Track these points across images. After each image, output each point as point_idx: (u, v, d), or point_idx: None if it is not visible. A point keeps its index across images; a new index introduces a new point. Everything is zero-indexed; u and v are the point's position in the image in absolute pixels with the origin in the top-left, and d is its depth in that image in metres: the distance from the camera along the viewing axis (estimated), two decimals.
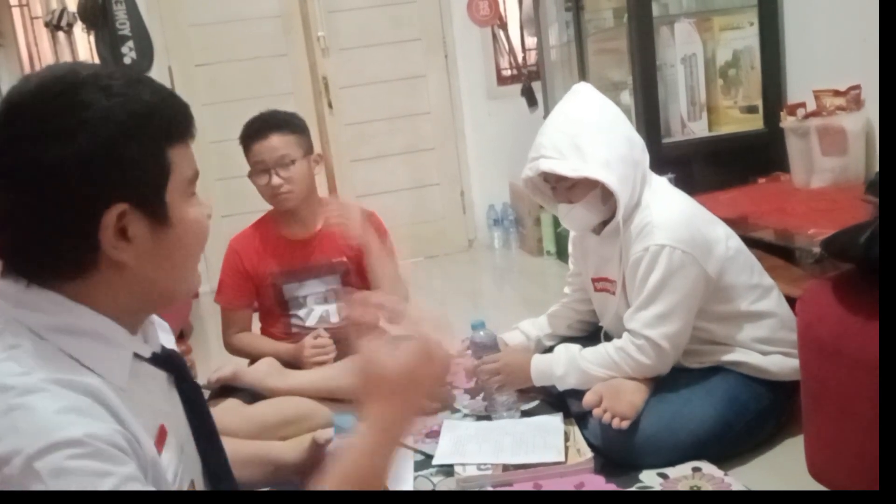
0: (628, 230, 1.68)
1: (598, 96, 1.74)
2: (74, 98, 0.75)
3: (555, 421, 1.79)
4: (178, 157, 0.82)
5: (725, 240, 1.68)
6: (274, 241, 2.16)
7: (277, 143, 2.07)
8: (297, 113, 2.22)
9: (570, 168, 1.64)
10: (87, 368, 0.76)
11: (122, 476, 0.69)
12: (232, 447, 1.16)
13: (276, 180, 2.07)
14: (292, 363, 2.10)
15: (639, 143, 1.72)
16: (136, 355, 0.84)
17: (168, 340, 1.01)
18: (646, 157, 1.72)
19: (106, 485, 0.68)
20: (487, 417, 1.92)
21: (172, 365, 0.91)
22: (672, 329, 1.62)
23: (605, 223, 1.74)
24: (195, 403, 0.94)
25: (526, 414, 1.88)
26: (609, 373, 1.68)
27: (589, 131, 1.67)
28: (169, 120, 0.82)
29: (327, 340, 2.11)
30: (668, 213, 1.64)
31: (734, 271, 1.67)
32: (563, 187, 1.70)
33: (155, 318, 1.01)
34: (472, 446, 1.74)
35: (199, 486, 0.91)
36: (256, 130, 2.09)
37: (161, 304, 0.88)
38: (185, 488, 0.86)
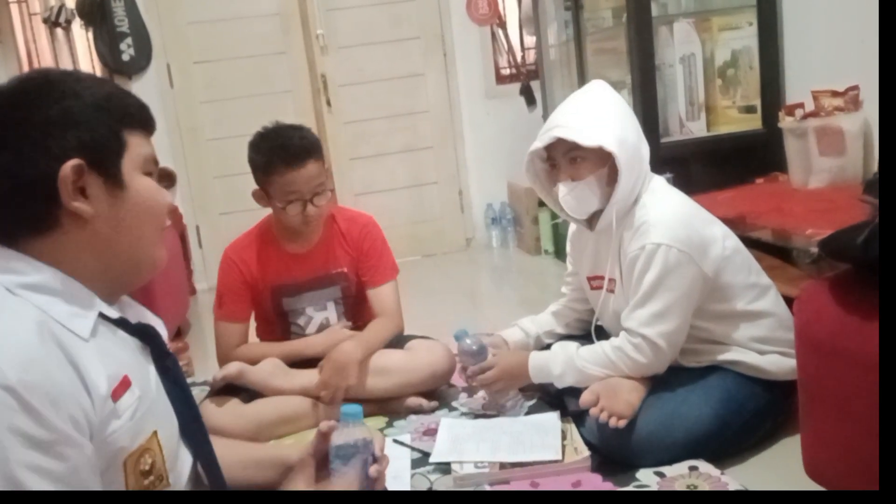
0: (625, 228, 1.68)
1: (614, 91, 1.76)
2: (44, 79, 0.91)
3: (552, 419, 1.79)
4: (133, 139, 0.94)
5: (723, 239, 1.68)
6: (273, 254, 2.10)
7: (314, 171, 1.95)
8: (292, 120, 2.10)
9: (585, 136, 1.63)
10: (52, 319, 0.84)
11: (20, 459, 0.75)
12: (243, 449, 1.21)
13: (312, 210, 1.98)
14: (308, 361, 2.07)
15: (645, 141, 1.73)
16: (104, 316, 0.92)
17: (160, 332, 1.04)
18: (648, 157, 1.72)
19: (13, 453, 0.75)
20: (485, 416, 1.93)
21: (146, 335, 0.98)
22: (668, 327, 1.63)
23: (597, 216, 1.74)
24: (169, 370, 1.00)
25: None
26: (606, 371, 1.68)
27: (607, 110, 1.68)
28: (126, 109, 0.95)
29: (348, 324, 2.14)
30: (665, 211, 1.65)
31: (731, 270, 1.67)
32: (570, 161, 1.68)
33: (146, 312, 1.06)
34: (469, 444, 1.74)
35: (168, 438, 0.95)
36: (292, 157, 1.93)
37: (126, 273, 0.96)
38: (145, 434, 0.91)
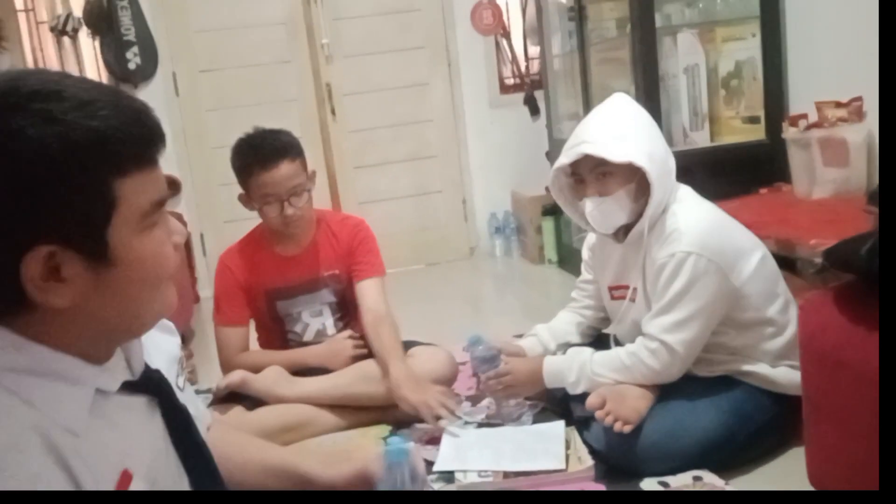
0: (653, 236, 1.67)
1: (637, 104, 1.75)
2: (3, 124, 0.66)
3: (556, 428, 1.79)
4: (131, 188, 0.72)
5: (752, 250, 1.67)
6: (265, 257, 2.12)
7: (289, 172, 1.97)
8: (296, 129, 2.13)
9: (614, 152, 1.62)
10: (41, 413, 0.70)
11: None
12: (257, 450, 1.13)
13: (290, 210, 1.99)
14: (311, 370, 2.07)
15: (671, 152, 1.72)
16: (101, 390, 0.77)
17: (170, 343, 0.98)
18: (674, 168, 1.71)
19: None
20: (489, 425, 1.93)
21: (152, 389, 0.85)
22: (689, 336, 1.62)
23: (626, 230, 1.74)
24: (180, 426, 0.88)
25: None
26: (619, 377, 1.68)
27: (634, 125, 1.68)
28: (123, 147, 0.71)
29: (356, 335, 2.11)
30: (695, 220, 1.64)
31: (758, 281, 1.66)
32: (597, 177, 1.67)
33: (153, 338, 0.94)
34: (473, 453, 1.74)
35: None
36: (264, 158, 1.95)
37: (125, 337, 0.81)
38: None
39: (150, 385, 0.84)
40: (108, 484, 0.74)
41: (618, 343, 1.81)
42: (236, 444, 1.10)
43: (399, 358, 1.96)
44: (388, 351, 1.97)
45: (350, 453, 1.22)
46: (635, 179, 1.66)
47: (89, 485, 0.71)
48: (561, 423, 1.81)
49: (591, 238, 1.96)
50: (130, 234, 0.73)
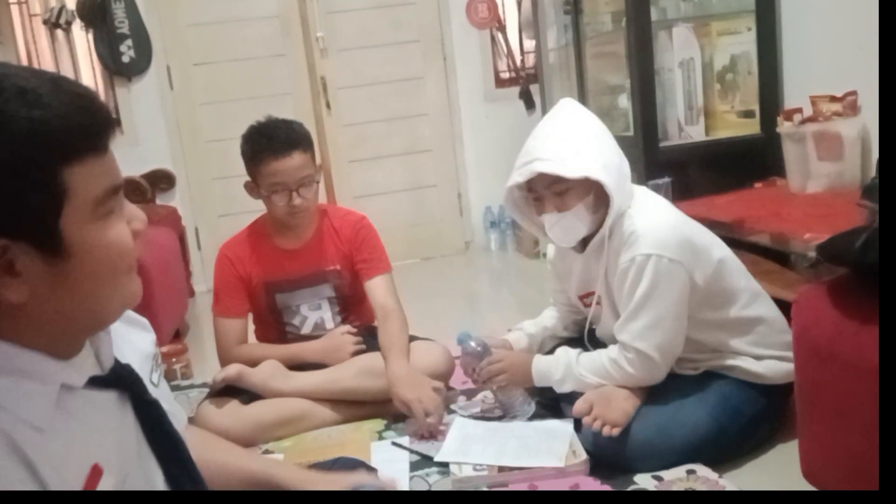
0: (613, 241, 1.66)
1: (586, 110, 1.73)
2: None
3: (566, 427, 1.76)
4: (80, 177, 0.70)
5: (711, 247, 1.67)
6: (266, 250, 2.12)
7: (300, 163, 1.98)
8: (298, 120, 2.12)
9: (569, 168, 1.60)
10: (3, 410, 0.69)
11: None
12: (226, 466, 1.13)
13: (298, 201, 2.00)
14: (309, 364, 2.07)
15: (624, 157, 1.71)
16: (67, 385, 0.75)
17: (144, 339, 0.97)
18: (629, 172, 1.70)
19: None
20: (484, 418, 1.93)
21: (122, 384, 0.83)
22: (662, 339, 1.62)
23: (585, 240, 1.72)
24: (152, 421, 0.86)
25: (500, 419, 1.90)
26: (603, 381, 1.68)
27: (585, 136, 1.65)
28: (68, 136, 0.69)
29: (353, 331, 2.11)
30: (652, 220, 1.63)
31: (722, 277, 1.66)
32: (554, 194, 1.65)
33: (131, 315, 0.94)
34: (476, 447, 1.74)
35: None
36: (277, 147, 1.97)
37: (90, 329, 0.79)
38: None
39: (120, 380, 0.83)
40: (78, 479, 0.73)
41: (597, 341, 1.82)
42: (214, 450, 1.11)
43: (400, 354, 1.95)
44: (389, 346, 1.97)
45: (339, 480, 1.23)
46: (592, 191, 1.64)
47: (55, 482, 0.70)
48: (570, 422, 1.77)
49: (551, 251, 1.94)
50: (85, 224, 0.71)
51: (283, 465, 1.23)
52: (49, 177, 0.68)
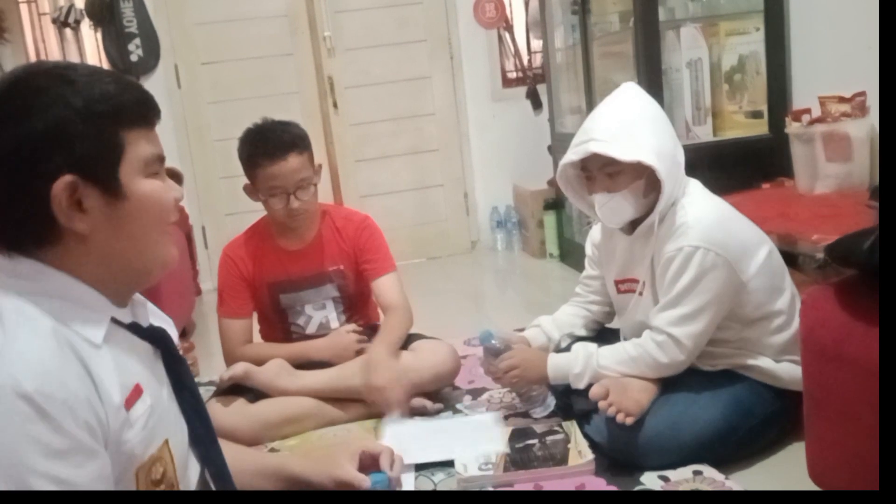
0: (662, 229, 1.67)
1: (647, 95, 1.74)
2: (32, 84, 0.85)
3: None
4: (134, 139, 0.89)
5: (759, 244, 1.67)
6: (269, 250, 2.12)
7: (296, 165, 1.98)
8: (298, 122, 2.11)
9: (622, 151, 1.61)
10: (66, 326, 0.83)
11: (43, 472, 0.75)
12: (242, 457, 1.21)
13: (296, 204, 2.00)
14: (314, 363, 2.07)
15: (680, 145, 1.71)
16: (116, 321, 0.90)
17: (169, 329, 1.04)
18: (683, 160, 1.71)
19: (31, 459, 0.75)
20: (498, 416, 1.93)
21: (158, 339, 0.97)
22: (697, 329, 1.62)
23: (635, 223, 1.73)
24: (181, 377, 1.00)
25: (524, 415, 1.90)
26: (624, 370, 1.67)
27: (642, 120, 1.66)
28: (125, 106, 0.88)
29: (359, 329, 2.12)
30: (703, 214, 1.64)
31: (764, 276, 1.65)
32: (606, 174, 1.66)
33: (156, 310, 1.05)
34: (415, 445, 1.74)
35: (178, 446, 0.96)
36: (272, 150, 1.96)
37: (136, 277, 0.94)
38: (157, 442, 0.91)
39: (155, 335, 0.97)
40: (123, 391, 0.86)
41: (624, 338, 1.81)
42: (228, 451, 1.13)
43: (386, 341, 1.99)
44: (381, 334, 2.03)
45: (342, 450, 1.34)
46: (644, 176, 1.65)
47: (105, 388, 0.83)
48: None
49: (594, 233, 1.95)
50: (137, 175, 0.89)
51: (286, 455, 1.33)
52: (112, 132, 0.87)
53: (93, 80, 0.87)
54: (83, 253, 0.87)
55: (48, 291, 0.85)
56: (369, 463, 1.31)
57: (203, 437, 1.01)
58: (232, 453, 1.13)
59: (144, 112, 0.92)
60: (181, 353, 1.04)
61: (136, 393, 0.88)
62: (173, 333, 1.04)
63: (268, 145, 1.98)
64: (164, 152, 0.95)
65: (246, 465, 1.18)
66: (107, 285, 0.89)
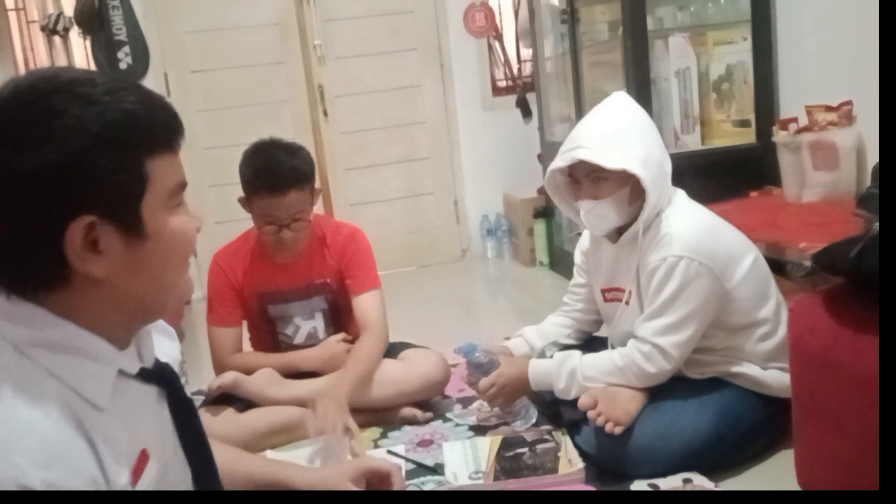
0: (646, 239, 1.68)
1: (636, 104, 1.75)
2: (46, 106, 0.73)
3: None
4: (158, 168, 0.79)
5: (744, 253, 1.68)
6: (259, 261, 2.11)
7: (295, 201, 1.96)
8: (288, 130, 2.12)
9: (608, 159, 1.62)
10: (68, 387, 0.74)
11: None
12: (248, 465, 1.17)
13: (287, 234, 1.99)
14: (304, 372, 2.06)
15: (667, 155, 1.73)
16: (122, 372, 0.81)
17: (172, 347, 1.03)
18: (670, 170, 1.72)
19: None
20: (480, 428, 1.93)
21: (164, 380, 0.89)
22: (681, 338, 1.63)
23: (620, 231, 1.74)
24: (187, 419, 0.91)
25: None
26: (610, 380, 1.68)
27: (630, 129, 1.67)
28: (150, 130, 0.78)
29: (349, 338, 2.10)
30: (687, 224, 1.65)
31: (750, 284, 1.66)
32: (592, 181, 1.68)
33: (159, 323, 1.01)
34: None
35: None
36: (274, 184, 1.93)
37: (150, 316, 0.85)
38: None
39: (162, 376, 0.88)
40: (129, 460, 0.78)
41: (611, 346, 1.81)
42: (226, 455, 1.11)
43: (348, 373, 1.93)
44: (349, 361, 1.98)
45: (351, 468, 1.24)
46: (630, 184, 1.66)
47: (109, 458, 0.75)
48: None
49: (583, 241, 1.96)
50: (161, 210, 0.79)
51: (289, 465, 1.23)
52: (135, 163, 0.76)
53: (115, 99, 0.75)
54: (93, 297, 0.77)
55: (49, 343, 0.75)
56: (376, 482, 1.27)
57: (207, 479, 0.94)
58: (230, 459, 1.10)
59: (171, 135, 0.81)
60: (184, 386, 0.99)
61: (143, 461, 0.80)
62: (177, 348, 1.02)
63: (273, 178, 1.94)
64: None
65: (241, 477, 1.13)
66: (115, 329, 0.80)
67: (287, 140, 2.05)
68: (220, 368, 2.07)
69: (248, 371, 2.02)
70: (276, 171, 1.94)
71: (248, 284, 2.11)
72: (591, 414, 1.61)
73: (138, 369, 0.84)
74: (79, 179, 0.73)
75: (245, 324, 2.21)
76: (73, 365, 0.75)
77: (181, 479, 0.90)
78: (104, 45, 3.86)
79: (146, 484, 0.80)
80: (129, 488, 0.77)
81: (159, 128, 0.80)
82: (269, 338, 2.18)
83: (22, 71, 4.10)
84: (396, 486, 1.21)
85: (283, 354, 2.12)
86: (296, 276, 2.10)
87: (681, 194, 1.75)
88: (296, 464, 1.28)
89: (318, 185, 2.11)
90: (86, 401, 0.75)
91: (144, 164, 0.77)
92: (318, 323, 2.16)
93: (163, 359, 0.92)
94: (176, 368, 0.98)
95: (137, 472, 0.79)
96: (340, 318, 2.19)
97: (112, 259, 0.76)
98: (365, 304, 2.09)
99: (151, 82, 3.96)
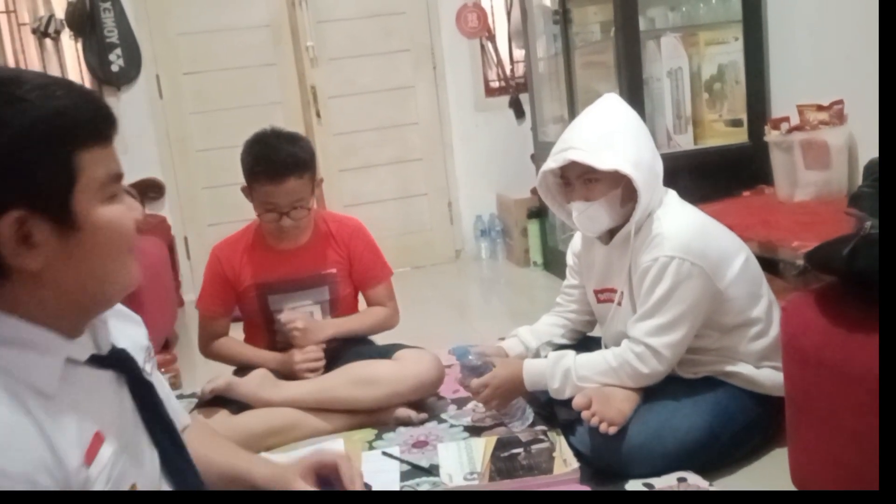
0: (638, 240, 1.68)
1: (627, 106, 1.75)
2: None
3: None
4: (89, 160, 0.80)
5: (735, 253, 1.69)
6: (260, 251, 2.12)
7: (294, 188, 1.98)
8: (303, 136, 2.11)
9: (600, 160, 1.62)
10: (14, 378, 0.76)
11: None
12: (219, 455, 1.14)
13: (287, 222, 2.02)
14: (280, 372, 2.08)
15: (659, 157, 1.73)
16: (72, 359, 0.83)
17: (138, 333, 1.02)
18: (662, 172, 1.72)
19: None
20: (475, 429, 1.93)
21: (120, 365, 0.91)
22: (674, 339, 1.63)
23: (612, 232, 1.75)
24: (147, 402, 0.94)
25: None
26: (604, 380, 1.68)
27: (621, 130, 1.68)
28: (79, 123, 0.80)
29: (318, 352, 2.08)
30: (678, 225, 1.65)
31: (742, 284, 1.67)
32: (584, 182, 1.68)
33: (124, 310, 1.01)
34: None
35: (148, 486, 0.91)
36: (273, 171, 1.96)
37: (95, 306, 0.87)
38: (123, 488, 0.85)
39: (118, 361, 0.91)
40: (82, 443, 0.80)
41: (605, 346, 1.81)
42: (207, 447, 1.11)
43: (344, 321, 2.14)
44: (353, 315, 2.19)
45: (299, 465, 1.17)
46: (621, 185, 1.66)
47: (61, 443, 0.77)
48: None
49: (576, 243, 1.96)
50: (92, 201, 0.81)
51: (257, 459, 1.20)
52: (62, 156, 0.78)
53: (43, 94, 0.77)
54: (33, 290, 0.79)
55: None
56: (328, 474, 1.22)
57: (175, 460, 0.96)
58: (205, 446, 1.10)
59: (101, 128, 0.82)
60: (157, 365, 1.00)
61: (97, 443, 0.82)
62: (143, 334, 1.01)
63: (269, 164, 1.97)
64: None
65: (214, 468, 1.10)
66: (61, 320, 0.82)
67: (288, 130, 2.09)
68: (203, 351, 2.19)
69: (230, 358, 2.12)
70: (274, 159, 1.97)
71: (247, 275, 2.12)
72: (585, 414, 1.62)
73: (88, 355, 0.86)
74: (5, 174, 0.75)
75: (243, 324, 2.23)
76: (17, 357, 0.78)
77: (146, 461, 0.92)
78: (96, 48, 3.85)
79: (101, 464, 0.82)
80: (84, 469, 0.79)
81: (88, 121, 0.81)
82: (268, 337, 2.18)
83: None
84: (346, 477, 1.14)
85: (256, 351, 2.15)
86: (301, 265, 2.12)
87: (672, 195, 1.75)
88: (264, 458, 1.23)
89: (321, 175, 2.13)
90: (33, 389, 0.77)
91: (73, 157, 0.79)
92: (316, 314, 2.17)
93: (125, 344, 0.94)
94: (142, 354, 1.00)
95: (91, 453, 0.81)
96: (338, 310, 2.19)
97: (46, 252, 0.78)
98: (381, 295, 2.21)
99: (143, 84, 3.95)
